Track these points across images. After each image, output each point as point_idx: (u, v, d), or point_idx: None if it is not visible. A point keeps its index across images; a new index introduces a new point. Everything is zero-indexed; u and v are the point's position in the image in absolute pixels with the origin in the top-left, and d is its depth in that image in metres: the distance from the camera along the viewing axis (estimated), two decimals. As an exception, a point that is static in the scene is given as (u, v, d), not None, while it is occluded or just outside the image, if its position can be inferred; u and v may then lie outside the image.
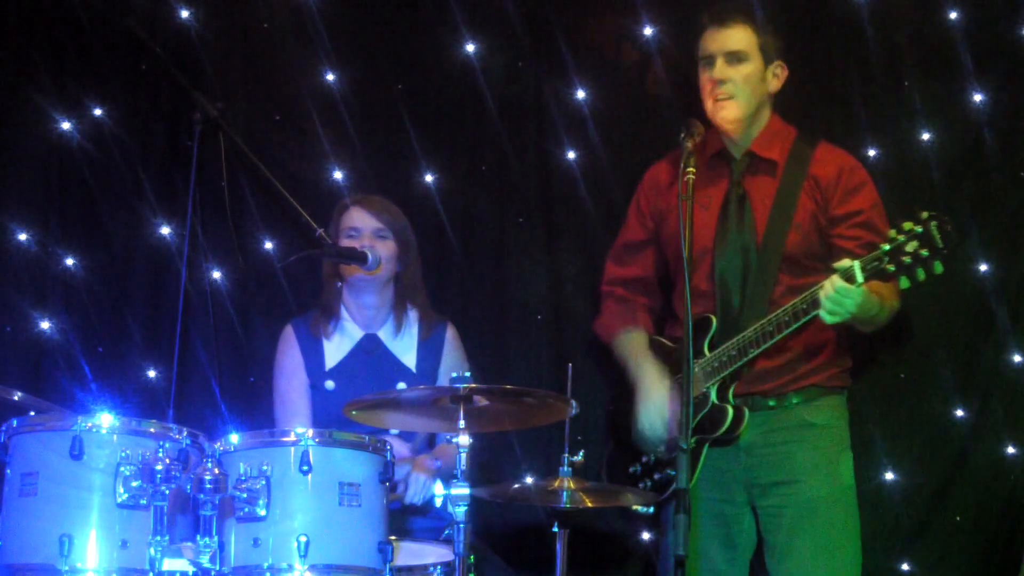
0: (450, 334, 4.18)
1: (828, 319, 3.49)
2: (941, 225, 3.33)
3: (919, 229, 3.34)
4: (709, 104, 3.82)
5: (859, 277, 3.41)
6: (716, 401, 3.70)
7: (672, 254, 3.97)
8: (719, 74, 3.78)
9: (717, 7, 3.87)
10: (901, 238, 3.35)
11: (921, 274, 3.35)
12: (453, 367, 4.01)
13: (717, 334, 3.73)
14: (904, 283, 3.38)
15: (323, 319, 4.12)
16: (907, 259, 3.34)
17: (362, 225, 4.07)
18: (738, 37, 3.80)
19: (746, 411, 3.69)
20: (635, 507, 3.79)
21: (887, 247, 3.37)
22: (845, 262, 3.46)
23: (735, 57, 3.79)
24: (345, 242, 4.06)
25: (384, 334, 4.12)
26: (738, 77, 3.78)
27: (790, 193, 3.78)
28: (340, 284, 4.13)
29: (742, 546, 3.84)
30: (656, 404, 3.77)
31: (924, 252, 3.33)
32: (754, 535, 3.84)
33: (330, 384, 4.05)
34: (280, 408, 4.09)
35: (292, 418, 4.01)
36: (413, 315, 4.15)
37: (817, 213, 3.77)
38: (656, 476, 3.82)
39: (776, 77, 3.87)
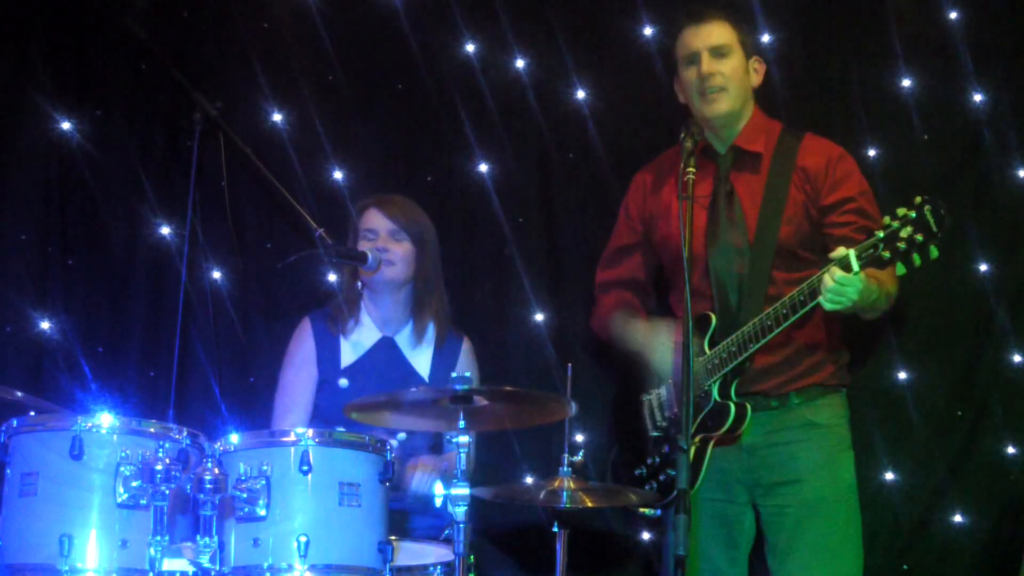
0: (466, 347, 4.16)
1: (829, 307, 3.46)
2: (935, 209, 3.28)
3: (913, 214, 3.30)
4: (697, 101, 3.82)
5: (855, 265, 3.38)
6: (718, 399, 3.69)
7: (666, 256, 3.97)
8: (708, 68, 3.79)
9: (693, 6, 3.89)
10: (895, 224, 3.31)
11: (917, 260, 3.31)
12: None
13: (716, 331, 3.72)
14: (900, 269, 3.35)
15: (342, 316, 4.10)
16: (902, 245, 3.30)
17: (378, 226, 4.07)
18: (719, 32, 3.82)
19: (748, 408, 3.68)
20: (642, 510, 3.77)
21: (881, 234, 3.33)
22: (840, 251, 3.42)
23: (719, 52, 3.80)
24: (362, 243, 4.06)
25: (402, 339, 4.10)
26: (726, 69, 3.80)
27: (779, 186, 3.78)
28: (360, 285, 4.12)
29: (744, 545, 3.84)
30: (662, 340, 3.78)
31: (919, 237, 3.28)
32: (754, 533, 3.85)
33: (344, 382, 4.04)
34: (280, 398, 4.07)
35: (289, 410, 4.00)
36: (431, 324, 4.13)
37: (808, 204, 3.76)
38: (661, 478, 3.80)
39: (756, 72, 3.89)
